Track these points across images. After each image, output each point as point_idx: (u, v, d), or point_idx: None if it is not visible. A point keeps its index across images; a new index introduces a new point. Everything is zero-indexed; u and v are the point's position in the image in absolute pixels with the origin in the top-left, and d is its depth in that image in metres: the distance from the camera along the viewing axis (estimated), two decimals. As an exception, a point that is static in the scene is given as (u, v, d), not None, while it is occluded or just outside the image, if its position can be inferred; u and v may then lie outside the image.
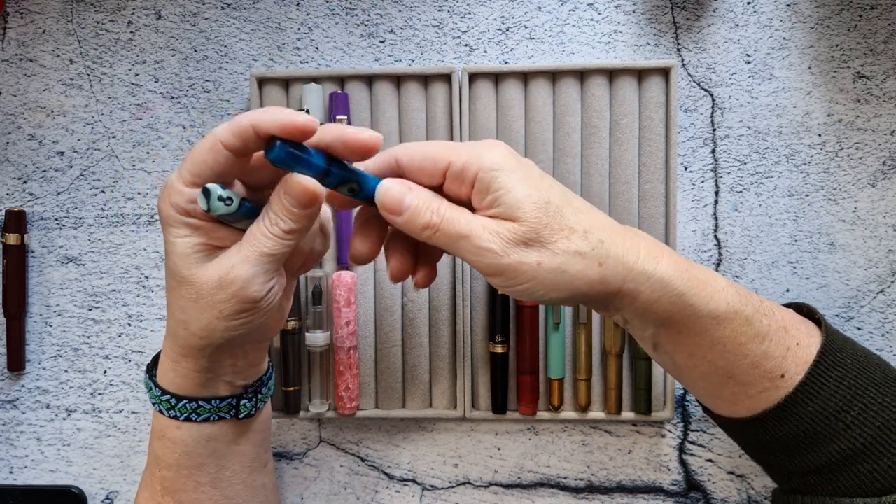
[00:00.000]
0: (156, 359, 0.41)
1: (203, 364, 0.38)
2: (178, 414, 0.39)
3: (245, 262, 0.35)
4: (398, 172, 0.37)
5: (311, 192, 0.34)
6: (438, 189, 0.37)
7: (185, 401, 0.38)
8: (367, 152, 0.35)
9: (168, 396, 0.39)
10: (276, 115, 0.33)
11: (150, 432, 0.41)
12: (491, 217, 0.35)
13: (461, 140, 0.51)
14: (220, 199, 0.34)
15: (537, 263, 0.34)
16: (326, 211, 0.39)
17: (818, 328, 0.40)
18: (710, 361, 0.38)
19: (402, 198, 0.35)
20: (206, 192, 0.34)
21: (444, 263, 0.51)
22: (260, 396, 0.41)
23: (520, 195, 0.35)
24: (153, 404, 0.40)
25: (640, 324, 0.38)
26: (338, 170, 0.35)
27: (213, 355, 0.38)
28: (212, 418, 0.39)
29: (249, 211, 0.36)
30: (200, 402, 0.39)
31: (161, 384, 0.39)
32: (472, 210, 0.36)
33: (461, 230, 0.35)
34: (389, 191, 0.35)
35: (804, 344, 0.38)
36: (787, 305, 0.43)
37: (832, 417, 0.37)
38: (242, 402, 0.40)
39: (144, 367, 0.55)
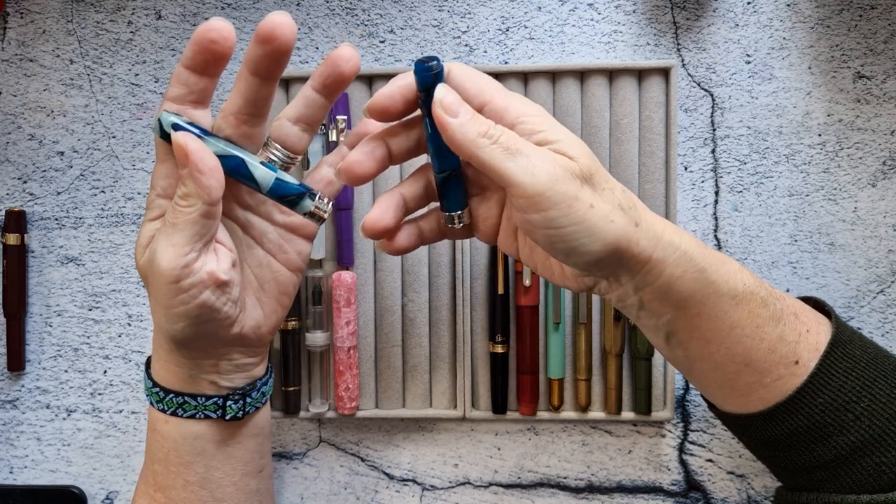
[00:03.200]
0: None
1: (179, 359, 0.38)
2: (166, 408, 0.39)
3: (159, 236, 0.35)
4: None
5: (179, 147, 0.34)
6: (458, 166, 0.36)
7: (171, 395, 0.38)
8: (269, 41, 0.33)
9: (157, 389, 0.39)
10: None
11: (147, 424, 0.41)
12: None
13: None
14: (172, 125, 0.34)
15: (590, 205, 0.33)
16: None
17: (827, 319, 0.40)
18: (728, 347, 0.37)
19: (458, 103, 0.34)
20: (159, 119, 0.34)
21: (444, 264, 0.52)
22: (249, 400, 0.40)
23: (572, 139, 0.34)
24: (146, 396, 0.40)
25: (658, 305, 0.36)
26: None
27: (185, 352, 0.37)
28: (197, 416, 0.39)
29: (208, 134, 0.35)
30: (186, 398, 0.39)
31: (153, 377, 0.39)
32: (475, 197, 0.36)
33: (520, 147, 0.33)
34: (448, 94, 0.34)
35: (814, 331, 0.38)
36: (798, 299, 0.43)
37: (842, 408, 0.36)
38: (229, 403, 0.39)
39: (143, 367, 0.55)
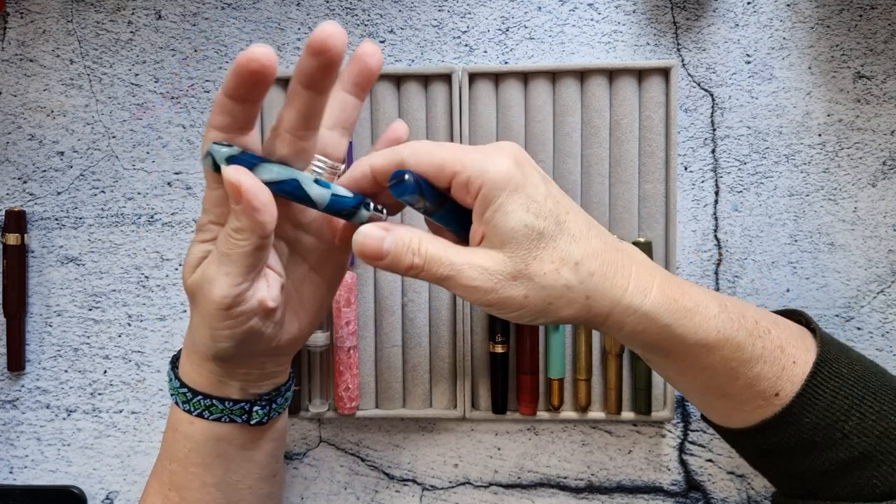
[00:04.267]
0: (180, 351, 0.42)
1: (213, 367, 0.38)
2: (192, 409, 0.39)
3: (211, 262, 0.35)
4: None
5: (231, 185, 0.33)
6: (444, 196, 0.36)
7: (199, 397, 0.38)
8: (323, 52, 0.33)
9: (185, 390, 0.39)
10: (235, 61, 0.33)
11: (166, 423, 0.41)
12: (484, 235, 0.35)
13: (461, 141, 0.51)
14: (222, 154, 0.34)
15: (524, 297, 0.34)
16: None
17: (814, 338, 0.40)
18: (701, 382, 0.38)
19: (380, 244, 0.35)
20: (208, 153, 0.34)
21: (444, 263, 0.52)
22: (274, 406, 0.41)
23: (515, 223, 0.34)
24: (171, 395, 0.40)
25: (628, 344, 0.38)
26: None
27: (222, 363, 0.38)
28: (223, 419, 0.39)
29: (265, 162, 0.35)
30: (214, 401, 0.39)
31: (181, 377, 0.39)
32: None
33: (444, 272, 0.34)
34: (367, 238, 0.35)
35: (801, 361, 0.38)
36: (782, 312, 0.43)
37: (830, 427, 0.37)
38: (255, 408, 0.40)
39: (143, 367, 0.55)
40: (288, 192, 0.35)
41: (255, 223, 0.33)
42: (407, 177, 0.34)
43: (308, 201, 0.35)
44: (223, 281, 0.34)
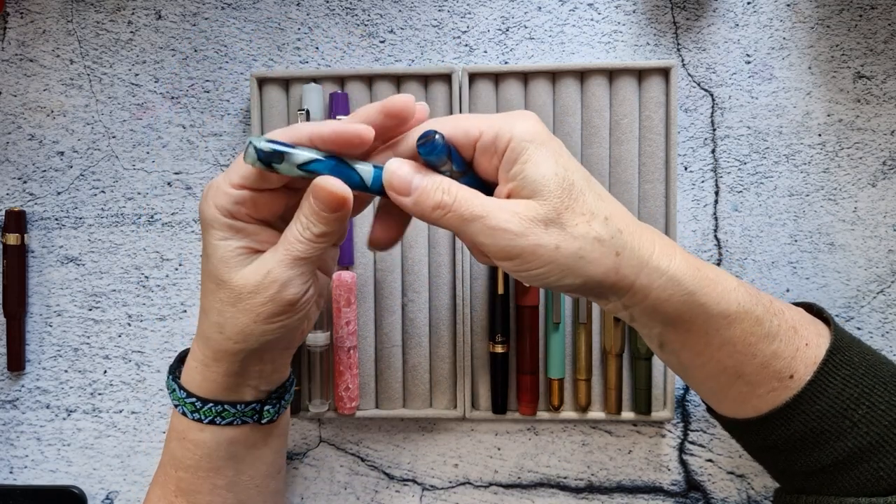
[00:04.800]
0: (178, 360, 0.41)
1: (233, 368, 0.38)
2: (203, 417, 0.38)
3: (281, 264, 0.35)
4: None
5: (338, 196, 0.34)
6: (468, 165, 0.36)
7: (210, 404, 0.38)
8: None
9: (193, 399, 0.38)
10: (333, 126, 0.35)
11: (169, 432, 0.41)
12: (511, 193, 0.34)
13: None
14: (265, 148, 0.34)
15: (555, 247, 0.33)
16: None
17: (827, 328, 0.39)
18: (719, 361, 0.37)
19: (410, 178, 0.34)
20: (250, 143, 0.34)
21: (444, 264, 0.52)
22: (283, 402, 0.41)
23: (546, 171, 0.34)
24: (175, 406, 0.39)
25: (647, 321, 0.37)
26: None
27: (245, 360, 0.38)
28: (236, 422, 0.39)
29: (305, 159, 0.35)
30: (226, 406, 0.38)
31: (186, 386, 0.39)
32: (494, 187, 0.36)
33: (475, 210, 0.34)
34: (397, 171, 0.35)
35: (813, 344, 0.38)
36: (795, 304, 0.43)
37: (839, 415, 0.36)
38: (266, 407, 0.40)
39: (143, 367, 0.55)
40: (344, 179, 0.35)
41: (343, 229, 0.35)
42: (437, 136, 0.34)
43: (359, 184, 0.36)
44: (298, 281, 0.35)
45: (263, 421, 0.40)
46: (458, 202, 0.34)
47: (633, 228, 0.35)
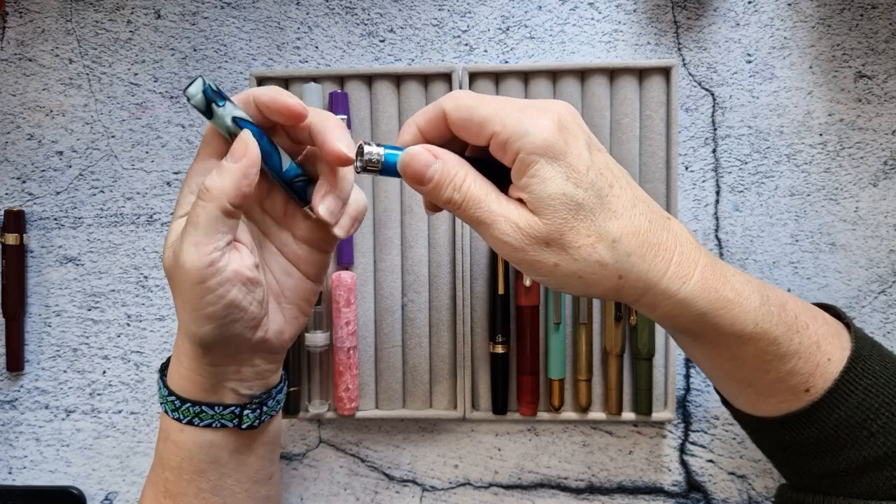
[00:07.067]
0: (169, 358, 0.41)
1: (203, 366, 0.37)
2: (182, 417, 0.38)
3: (182, 234, 0.35)
4: (444, 126, 0.35)
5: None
6: (484, 149, 0.35)
7: (188, 404, 0.38)
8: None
9: (173, 398, 0.38)
10: (273, 93, 0.36)
11: (158, 431, 0.41)
12: (519, 201, 0.34)
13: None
14: (213, 86, 0.35)
15: (554, 265, 0.33)
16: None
17: (848, 333, 0.39)
18: (728, 370, 0.37)
19: (425, 170, 0.34)
20: (201, 77, 0.35)
21: (444, 264, 0.51)
22: (265, 409, 0.40)
23: (553, 191, 0.32)
24: (161, 404, 0.40)
25: (659, 324, 0.37)
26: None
27: (210, 357, 0.37)
28: (214, 425, 0.38)
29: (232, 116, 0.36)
30: (203, 408, 0.38)
31: (169, 385, 0.39)
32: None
33: (481, 217, 0.33)
34: (415, 158, 0.34)
35: (836, 359, 0.37)
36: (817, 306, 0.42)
37: (857, 426, 0.36)
38: (246, 412, 0.39)
39: (142, 367, 0.55)
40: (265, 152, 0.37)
41: (241, 186, 0.35)
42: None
43: (273, 160, 0.37)
44: (192, 251, 0.34)
45: (244, 426, 0.39)
46: (467, 203, 0.34)
47: (644, 250, 0.34)
